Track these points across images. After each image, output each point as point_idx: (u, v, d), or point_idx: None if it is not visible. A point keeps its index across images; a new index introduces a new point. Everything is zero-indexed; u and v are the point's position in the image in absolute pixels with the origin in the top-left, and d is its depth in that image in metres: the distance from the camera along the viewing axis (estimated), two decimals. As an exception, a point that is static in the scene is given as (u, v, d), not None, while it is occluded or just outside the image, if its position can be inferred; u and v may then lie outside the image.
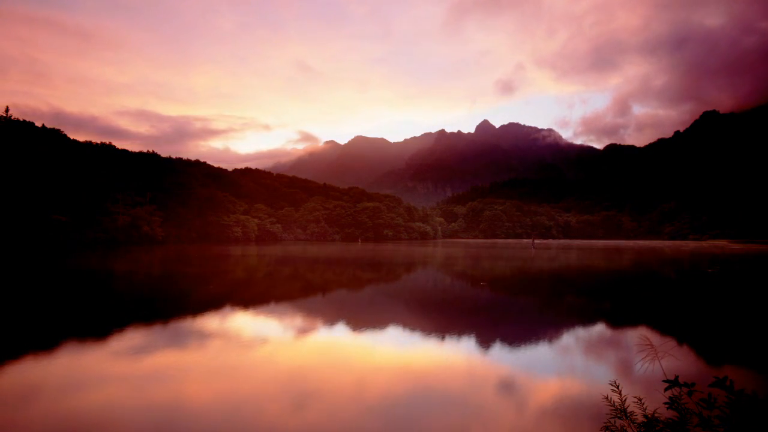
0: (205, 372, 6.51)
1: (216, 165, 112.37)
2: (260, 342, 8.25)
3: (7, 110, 64.27)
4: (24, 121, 67.33)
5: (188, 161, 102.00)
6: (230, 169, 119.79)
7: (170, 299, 13.46)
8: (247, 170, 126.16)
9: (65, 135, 73.11)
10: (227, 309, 11.88)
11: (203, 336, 8.61)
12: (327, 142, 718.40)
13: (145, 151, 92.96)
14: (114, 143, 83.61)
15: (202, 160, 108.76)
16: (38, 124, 70.02)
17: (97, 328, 9.30)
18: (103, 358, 7.15)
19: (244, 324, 9.90)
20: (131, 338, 8.32)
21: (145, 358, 7.16)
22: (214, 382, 6.08)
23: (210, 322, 10.09)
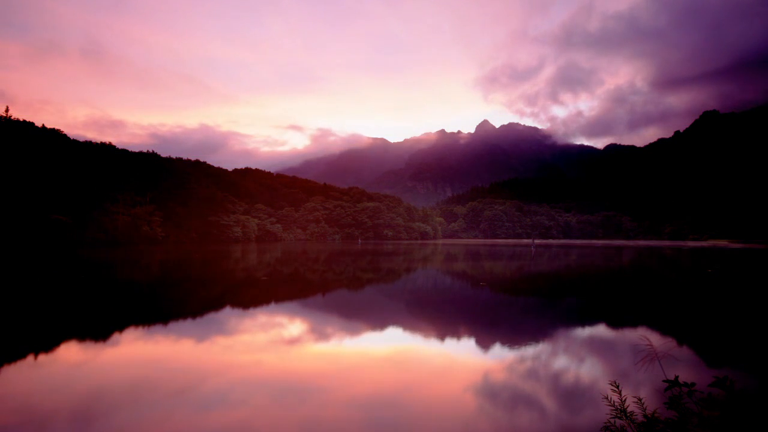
0: (271, 394, 5.60)
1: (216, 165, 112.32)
2: (318, 355, 7.47)
3: (7, 110, 64.32)
4: (24, 121, 67.41)
5: (188, 161, 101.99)
6: (231, 169, 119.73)
7: (189, 302, 13.44)
8: (247, 170, 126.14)
9: (65, 135, 73.19)
10: (263, 312, 11.87)
11: (254, 346, 7.89)
12: (375, 139, 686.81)
13: (145, 151, 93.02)
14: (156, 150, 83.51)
15: (201, 160, 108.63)
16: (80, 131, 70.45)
17: (125, 332, 9.28)
18: (143, 371, 6.50)
19: (293, 332, 9.31)
20: (173, 349, 7.69)
21: (192, 373, 6.36)
22: (287, 409, 5.11)
23: (253, 327, 9.86)
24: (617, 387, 2.58)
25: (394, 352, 7.80)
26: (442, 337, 8.92)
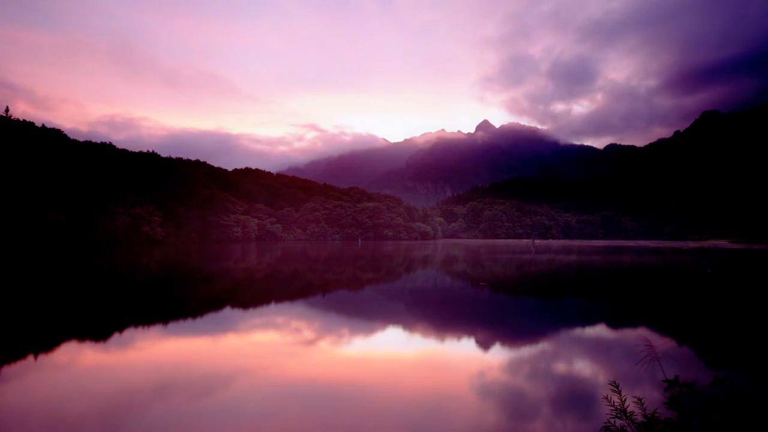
0: (302, 403, 5.28)
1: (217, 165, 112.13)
2: (339, 358, 7.31)
3: (7, 110, 64.31)
4: (24, 120, 67.38)
5: (188, 161, 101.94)
6: (230, 169, 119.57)
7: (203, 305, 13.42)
8: (247, 170, 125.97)
9: (65, 135, 73.17)
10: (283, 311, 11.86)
11: (273, 349, 7.77)
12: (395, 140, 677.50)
13: (144, 152, 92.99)
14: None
15: (201, 160, 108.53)
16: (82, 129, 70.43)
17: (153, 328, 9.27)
18: (161, 374, 6.54)
19: (308, 335, 9.31)
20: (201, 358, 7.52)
21: (214, 377, 6.18)
22: (324, 421, 4.80)
23: (269, 328, 9.80)
24: (617, 387, 2.58)
25: (417, 355, 7.59)
26: (462, 339, 8.91)
